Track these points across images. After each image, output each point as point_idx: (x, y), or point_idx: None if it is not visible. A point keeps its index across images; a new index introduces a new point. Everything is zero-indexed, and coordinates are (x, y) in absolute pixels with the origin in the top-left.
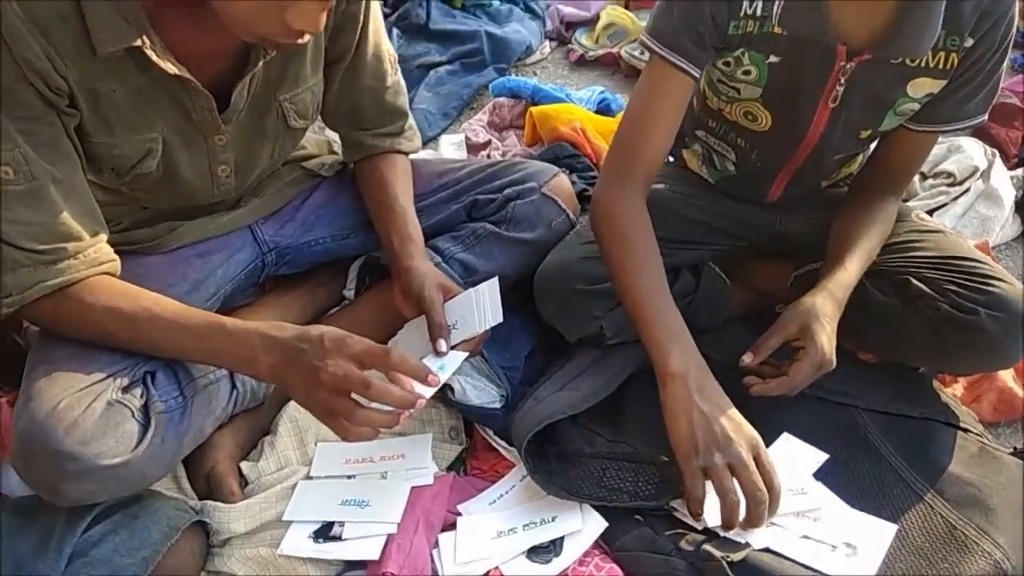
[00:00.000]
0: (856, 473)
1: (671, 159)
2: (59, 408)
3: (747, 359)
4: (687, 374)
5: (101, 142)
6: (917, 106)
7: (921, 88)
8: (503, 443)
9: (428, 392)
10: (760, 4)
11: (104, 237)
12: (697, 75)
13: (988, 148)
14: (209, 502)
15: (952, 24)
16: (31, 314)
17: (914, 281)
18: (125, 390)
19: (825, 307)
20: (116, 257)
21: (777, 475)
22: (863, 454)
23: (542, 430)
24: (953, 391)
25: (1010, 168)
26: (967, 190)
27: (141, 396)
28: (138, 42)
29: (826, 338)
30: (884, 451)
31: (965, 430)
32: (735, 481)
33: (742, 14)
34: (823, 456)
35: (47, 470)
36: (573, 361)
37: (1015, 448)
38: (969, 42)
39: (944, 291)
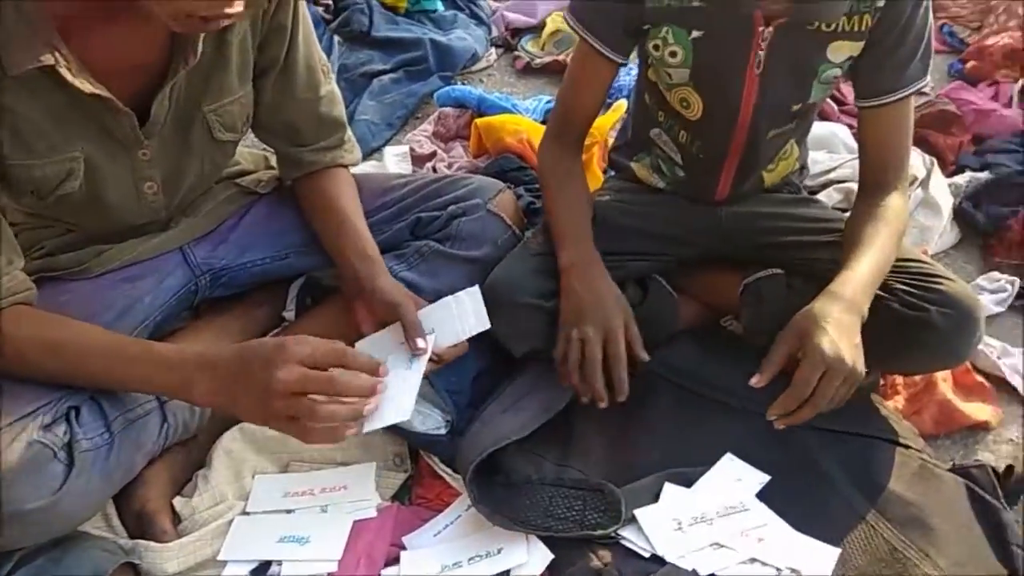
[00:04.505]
0: (798, 493)
1: (613, 174)
2: None
3: (755, 381)
4: (574, 265)
5: (18, 163)
6: (839, 72)
7: (840, 52)
8: (448, 470)
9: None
10: None
11: (19, 264)
12: (617, 59)
13: (926, 156)
14: (141, 541)
15: None
16: None
17: None
18: (47, 428)
19: (826, 308)
20: (32, 286)
21: (623, 354)
22: (805, 473)
23: (488, 457)
24: (895, 403)
25: (948, 175)
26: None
27: (64, 434)
28: (50, 60)
29: (827, 340)
30: (826, 469)
31: (906, 447)
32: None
33: None
34: (765, 477)
35: None
36: (519, 380)
37: (954, 464)
38: (881, 1)
39: (893, 291)
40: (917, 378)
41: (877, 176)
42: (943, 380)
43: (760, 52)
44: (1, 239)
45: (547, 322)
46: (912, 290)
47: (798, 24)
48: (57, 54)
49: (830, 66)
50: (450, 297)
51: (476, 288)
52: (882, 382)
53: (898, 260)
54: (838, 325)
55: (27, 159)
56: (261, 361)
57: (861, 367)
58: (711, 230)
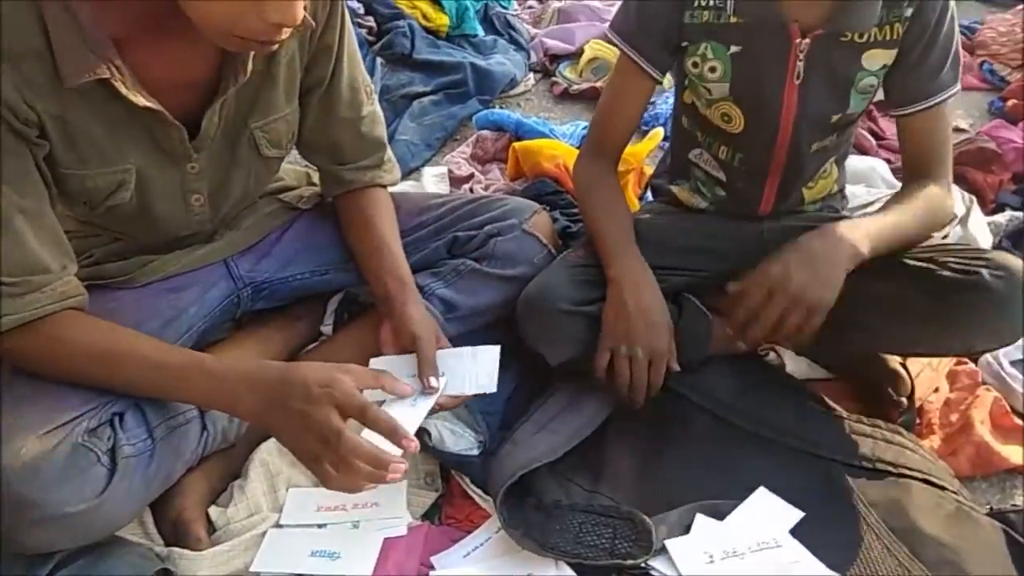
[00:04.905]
0: (832, 531)
1: (653, 200)
2: (22, 451)
3: (732, 287)
4: (624, 278)
5: (72, 172)
6: (875, 80)
7: (875, 60)
8: (479, 491)
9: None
10: None
11: (73, 270)
12: (656, 76)
13: (966, 194)
14: (175, 549)
15: None
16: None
17: (910, 261)
18: (92, 432)
19: (801, 240)
20: (84, 291)
21: (662, 376)
22: (839, 511)
23: (519, 479)
24: (930, 443)
25: (988, 214)
26: (945, 236)
27: (108, 439)
28: (105, 73)
29: (779, 264)
30: (860, 508)
31: (942, 488)
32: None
33: (696, 5)
34: (799, 514)
35: (8, 516)
36: (552, 399)
37: (991, 508)
38: (908, 11)
39: (943, 263)
40: (953, 418)
41: (916, 172)
42: (980, 422)
43: (799, 62)
44: (56, 244)
45: (586, 329)
46: (962, 259)
47: (832, 35)
48: (112, 67)
49: (866, 74)
50: (469, 348)
51: (497, 348)
52: (918, 421)
53: (945, 244)
54: (805, 253)
55: (81, 169)
56: (302, 393)
57: (821, 295)
58: (753, 244)
